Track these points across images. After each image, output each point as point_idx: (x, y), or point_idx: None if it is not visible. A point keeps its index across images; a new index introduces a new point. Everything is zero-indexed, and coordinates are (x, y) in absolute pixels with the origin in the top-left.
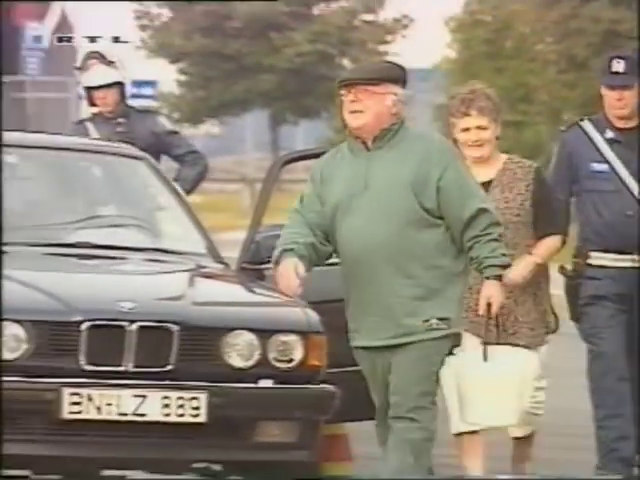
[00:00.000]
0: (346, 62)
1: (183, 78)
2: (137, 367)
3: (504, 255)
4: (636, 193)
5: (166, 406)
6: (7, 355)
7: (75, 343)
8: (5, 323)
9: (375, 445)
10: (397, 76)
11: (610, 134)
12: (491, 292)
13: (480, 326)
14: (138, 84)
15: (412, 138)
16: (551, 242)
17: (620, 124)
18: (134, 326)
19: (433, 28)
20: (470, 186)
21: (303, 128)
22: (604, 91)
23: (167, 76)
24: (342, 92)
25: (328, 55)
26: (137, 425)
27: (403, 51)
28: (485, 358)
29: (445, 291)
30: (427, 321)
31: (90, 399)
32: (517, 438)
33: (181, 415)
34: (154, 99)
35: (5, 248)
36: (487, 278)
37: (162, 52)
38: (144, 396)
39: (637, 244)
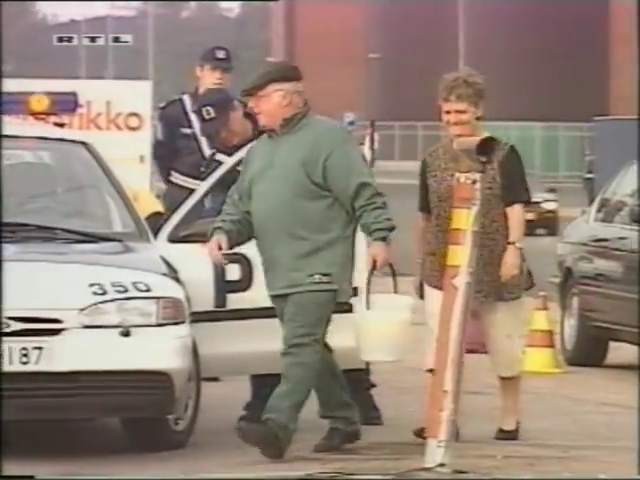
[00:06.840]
0: None
1: None
2: None
3: (388, 220)
4: None
5: None
6: None
7: None
8: None
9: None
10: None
11: None
12: (376, 251)
13: (433, 278)
14: None
15: (313, 124)
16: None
17: None
18: None
19: None
20: (354, 165)
21: None
22: None
23: None
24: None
25: None
26: None
27: None
28: (368, 306)
29: (330, 252)
30: (311, 275)
31: None
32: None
33: None
34: None
35: None
36: (374, 240)
37: None
38: None
39: None
